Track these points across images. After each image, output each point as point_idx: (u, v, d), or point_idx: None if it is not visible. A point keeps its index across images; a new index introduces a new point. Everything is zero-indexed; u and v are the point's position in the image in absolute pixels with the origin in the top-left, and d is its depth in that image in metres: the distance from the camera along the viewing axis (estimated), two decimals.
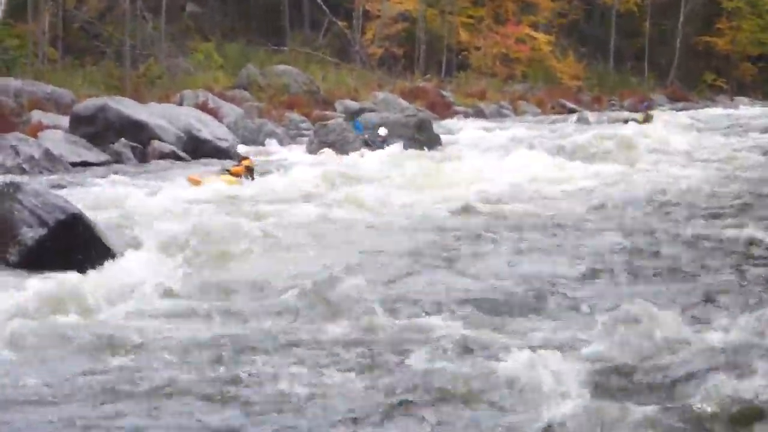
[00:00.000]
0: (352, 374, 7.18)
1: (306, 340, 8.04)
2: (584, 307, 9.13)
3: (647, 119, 38.99)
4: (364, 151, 26.06)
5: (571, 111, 51.38)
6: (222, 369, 7.31)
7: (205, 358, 7.56)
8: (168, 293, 9.69)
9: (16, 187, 12.15)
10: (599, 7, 70.12)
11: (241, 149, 21.99)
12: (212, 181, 19.64)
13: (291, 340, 8.03)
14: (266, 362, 7.47)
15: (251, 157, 22.19)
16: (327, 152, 26.23)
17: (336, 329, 8.34)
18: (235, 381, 7.04)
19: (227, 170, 20.76)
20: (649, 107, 47.15)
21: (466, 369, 7.19)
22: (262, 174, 21.35)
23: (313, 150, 28.24)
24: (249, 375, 7.15)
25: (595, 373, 7.04)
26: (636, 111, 48.12)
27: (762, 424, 6.15)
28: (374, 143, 26.75)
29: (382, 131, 27.50)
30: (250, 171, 20.45)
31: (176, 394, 6.79)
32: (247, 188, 18.67)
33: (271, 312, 9.01)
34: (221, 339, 8.02)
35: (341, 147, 27.30)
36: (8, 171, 21.71)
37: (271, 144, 30.72)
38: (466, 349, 7.73)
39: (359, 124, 29.67)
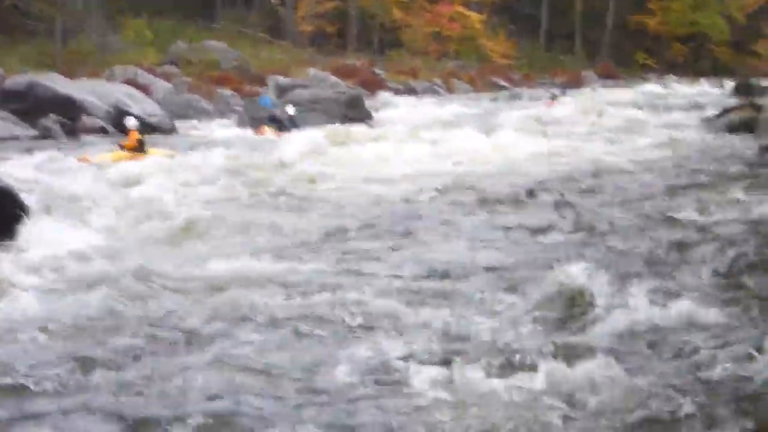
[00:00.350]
0: (289, 362, 6.95)
1: (223, 318, 7.90)
2: (518, 287, 9.01)
3: (555, 99, 39.65)
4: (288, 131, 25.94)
5: (502, 89, 51.76)
6: (130, 348, 7.15)
7: (112, 336, 7.42)
8: (80, 262, 9.76)
9: None
10: None
11: (131, 123, 21.14)
12: (102, 159, 19.55)
13: (201, 318, 7.90)
14: (182, 342, 7.34)
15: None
16: (265, 129, 26.14)
17: (251, 319, 8.06)
18: (145, 366, 6.84)
19: (119, 145, 20.62)
20: (563, 91, 47.44)
21: (404, 355, 7.08)
22: (191, 148, 21.28)
23: (242, 125, 28.30)
24: (159, 359, 6.96)
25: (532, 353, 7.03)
26: (566, 89, 48.45)
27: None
28: (283, 121, 26.50)
29: (290, 110, 27.22)
30: (141, 145, 20.29)
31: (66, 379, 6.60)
32: (172, 163, 18.57)
33: (180, 293, 8.79)
34: (133, 315, 7.93)
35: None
36: None
37: (200, 119, 30.77)
38: (409, 332, 7.66)
39: (268, 99, 29.42)
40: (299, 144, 21.52)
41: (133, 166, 17.87)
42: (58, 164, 18.64)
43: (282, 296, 8.45)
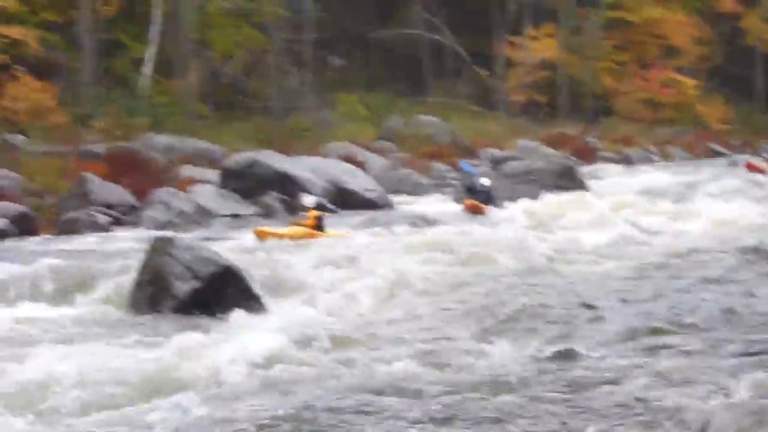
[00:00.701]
0: None
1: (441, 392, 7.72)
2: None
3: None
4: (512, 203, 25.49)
5: (720, 155, 50.62)
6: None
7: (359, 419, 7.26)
8: (318, 345, 9.63)
9: (169, 242, 12.49)
10: (743, 49, 68.82)
11: (309, 201, 20.79)
12: (281, 234, 19.41)
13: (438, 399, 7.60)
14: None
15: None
16: (473, 204, 25.79)
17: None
18: None
19: (297, 222, 20.43)
20: None
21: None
22: (406, 225, 21.12)
23: (457, 199, 28.28)
24: None
25: None
26: None
27: None
28: (483, 193, 25.96)
29: (485, 181, 26.68)
30: (319, 223, 20.05)
31: None
32: (383, 241, 18.41)
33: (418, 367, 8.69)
34: (366, 400, 7.65)
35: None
36: (161, 225, 22.26)
37: (415, 194, 30.94)
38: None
39: (466, 164, 29.15)
40: (510, 217, 21.28)
41: (345, 243, 17.86)
42: (278, 242, 18.89)
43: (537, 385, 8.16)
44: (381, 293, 12.86)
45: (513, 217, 22.33)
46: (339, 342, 9.87)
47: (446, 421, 7.10)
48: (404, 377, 8.40)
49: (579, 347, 9.31)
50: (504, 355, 9.20)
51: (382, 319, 11.59)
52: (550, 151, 44.02)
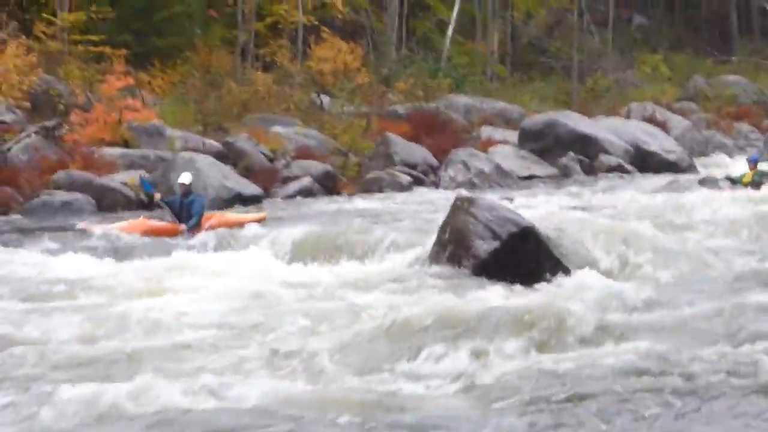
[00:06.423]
0: None
1: None
2: None
3: None
4: None
5: None
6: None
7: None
8: (620, 313, 9.44)
9: (471, 201, 12.57)
10: None
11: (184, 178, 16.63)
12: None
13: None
14: None
15: None
16: None
17: None
18: None
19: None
20: None
21: None
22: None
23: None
24: None
25: None
26: None
27: None
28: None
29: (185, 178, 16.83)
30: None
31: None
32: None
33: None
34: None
35: None
36: (460, 185, 22.53)
37: (719, 155, 30.17)
38: None
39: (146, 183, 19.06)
40: None
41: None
42: (581, 201, 18.67)
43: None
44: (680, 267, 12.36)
45: None
46: (636, 314, 9.59)
47: None
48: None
49: None
50: None
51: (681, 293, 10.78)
52: None
